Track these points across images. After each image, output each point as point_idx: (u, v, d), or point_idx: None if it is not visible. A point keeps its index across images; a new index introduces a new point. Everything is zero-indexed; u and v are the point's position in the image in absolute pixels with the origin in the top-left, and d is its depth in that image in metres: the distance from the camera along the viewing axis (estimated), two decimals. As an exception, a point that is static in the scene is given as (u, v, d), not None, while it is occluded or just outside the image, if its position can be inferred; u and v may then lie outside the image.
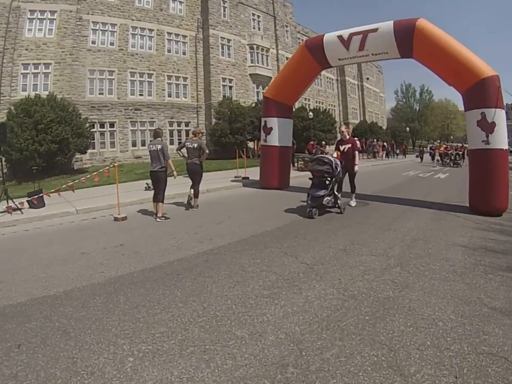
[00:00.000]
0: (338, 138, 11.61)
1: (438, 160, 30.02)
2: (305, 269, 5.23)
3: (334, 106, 50.44)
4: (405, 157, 40.38)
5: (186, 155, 10.23)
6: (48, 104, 19.79)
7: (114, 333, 3.66)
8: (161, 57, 30.07)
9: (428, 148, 35.03)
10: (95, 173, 9.88)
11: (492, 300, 4.21)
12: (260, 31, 38.00)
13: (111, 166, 9.80)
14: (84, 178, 9.73)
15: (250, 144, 31.18)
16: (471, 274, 5.02)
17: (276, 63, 39.36)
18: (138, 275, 5.25)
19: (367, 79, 58.04)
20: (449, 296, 4.30)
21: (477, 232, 7.45)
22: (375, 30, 10.85)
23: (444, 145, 35.17)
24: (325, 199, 8.88)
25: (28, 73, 23.58)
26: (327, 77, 48.63)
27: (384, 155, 37.23)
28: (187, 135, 30.71)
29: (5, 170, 16.08)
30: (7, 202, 9.88)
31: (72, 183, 9.61)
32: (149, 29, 29.56)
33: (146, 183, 13.13)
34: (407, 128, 57.45)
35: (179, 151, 10.35)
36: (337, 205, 9.28)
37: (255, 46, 36.42)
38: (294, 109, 17.57)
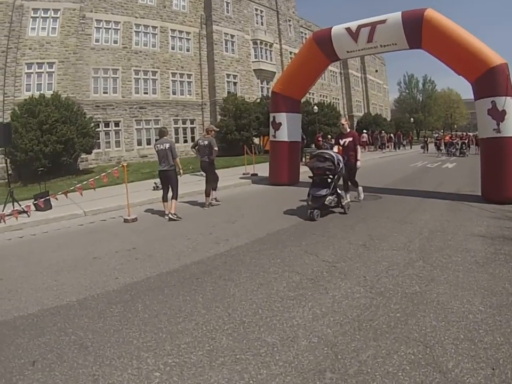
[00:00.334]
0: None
1: (441, 150, 29.47)
2: (328, 267, 5.06)
3: (338, 99, 50.07)
4: (411, 147, 40.00)
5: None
6: (53, 104, 19.52)
7: (136, 345, 3.42)
8: (165, 54, 29.82)
9: (434, 138, 34.47)
10: (104, 173, 9.61)
11: (516, 289, 4.13)
12: (263, 26, 37.67)
13: (120, 166, 9.51)
14: (92, 180, 9.45)
15: (256, 140, 30.84)
16: (493, 264, 4.96)
17: (280, 58, 39.05)
18: (155, 280, 4.99)
19: (376, 71, 57.90)
20: (475, 288, 4.22)
21: (493, 221, 7.38)
22: (384, 21, 10.64)
23: (449, 135, 34.69)
24: (327, 198, 8.10)
25: (32, 72, 23.34)
26: (331, 70, 48.17)
27: (392, 146, 36.84)
28: (192, 132, 30.61)
29: (9, 172, 15.91)
30: (13, 205, 9.65)
31: (80, 185, 9.31)
32: (152, 26, 29.31)
33: (155, 183, 12.89)
34: (412, 119, 57.07)
35: (193, 149, 10.35)
36: (340, 205, 8.48)
37: (258, 41, 36.08)
38: (300, 104, 17.23)
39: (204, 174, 10.54)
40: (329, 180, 8.17)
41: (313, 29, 45.11)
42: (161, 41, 29.74)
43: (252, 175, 15.80)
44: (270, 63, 37.31)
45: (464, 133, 41.77)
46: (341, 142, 9.76)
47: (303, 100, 16.08)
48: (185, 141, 30.43)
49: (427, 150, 33.30)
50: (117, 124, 27.09)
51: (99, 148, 25.57)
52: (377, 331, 3.39)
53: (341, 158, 8.50)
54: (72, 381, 2.92)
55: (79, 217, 9.63)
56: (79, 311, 4.20)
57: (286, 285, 4.56)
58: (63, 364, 3.15)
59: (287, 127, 13.36)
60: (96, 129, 23.57)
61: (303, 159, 21.19)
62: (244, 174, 16.12)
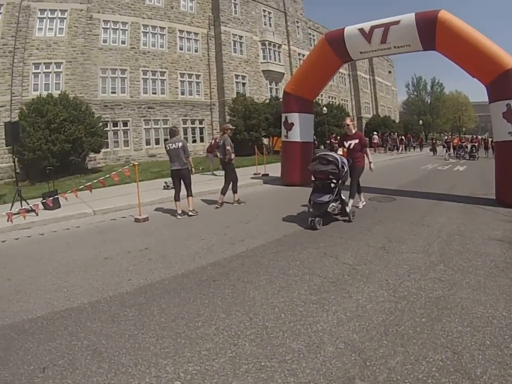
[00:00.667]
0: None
1: (449, 153, 28.70)
2: (348, 270, 4.88)
3: (347, 101, 49.76)
4: (421, 150, 39.54)
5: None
6: (61, 103, 19.49)
7: (154, 351, 3.21)
8: (173, 55, 29.67)
9: (443, 141, 34.03)
10: (114, 172, 9.38)
11: (538, 294, 4.01)
12: (271, 27, 37.46)
13: (131, 164, 9.30)
14: (102, 178, 9.21)
15: (265, 141, 30.62)
16: (513, 268, 4.81)
17: (288, 59, 38.88)
18: (171, 282, 4.76)
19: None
20: (497, 293, 4.09)
21: (509, 225, 7.19)
22: (397, 22, 10.45)
23: (457, 137, 34.28)
24: (330, 205, 7.32)
25: (39, 72, 23.28)
26: (339, 72, 47.78)
27: (402, 148, 36.46)
28: (201, 132, 30.50)
29: (17, 171, 15.81)
30: (21, 204, 9.52)
31: (90, 183, 9.09)
32: (160, 27, 29.19)
33: (165, 182, 12.73)
34: (420, 121, 56.77)
35: (215, 150, 10.18)
36: (344, 212, 7.73)
37: (267, 42, 35.87)
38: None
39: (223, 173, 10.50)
40: (332, 185, 7.40)
41: (321, 30, 45.13)
42: (169, 42, 29.60)
43: (263, 175, 15.59)
44: (278, 64, 37.10)
45: (474, 136, 41.31)
46: (346, 144, 8.83)
47: (312, 101, 15.78)
48: (194, 141, 30.31)
49: (435, 152, 32.84)
50: (125, 124, 27.00)
51: (107, 147, 25.48)
52: (404, 336, 3.27)
53: (345, 161, 7.73)
54: (86, 390, 2.70)
55: (88, 216, 9.43)
56: (91, 314, 3.98)
57: (308, 288, 4.37)
58: (75, 371, 2.95)
59: (299, 128, 13.14)
60: (105, 129, 23.49)
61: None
62: (254, 174, 15.90)
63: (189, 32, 30.89)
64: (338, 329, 3.43)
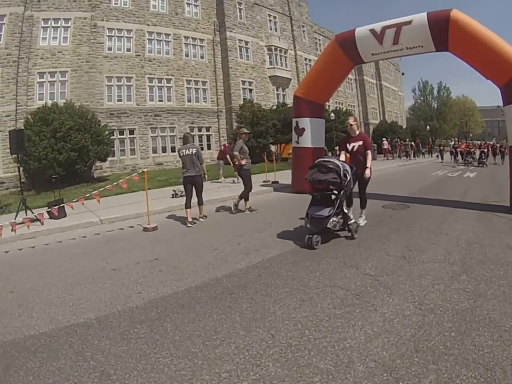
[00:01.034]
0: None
1: (456, 160, 28.23)
2: (371, 282, 4.60)
3: (354, 106, 49.50)
4: (431, 155, 39.16)
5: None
6: (66, 111, 19.40)
7: (169, 374, 2.91)
8: (179, 61, 29.66)
9: (451, 147, 33.48)
10: (122, 180, 9.07)
11: None
12: (277, 32, 37.42)
13: (140, 172, 9.03)
14: (110, 186, 8.89)
15: (273, 148, 30.34)
16: (536, 279, 4.61)
17: (295, 64, 38.78)
18: (184, 296, 4.43)
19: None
20: None
21: None
22: (409, 22, 10.16)
23: (465, 143, 33.80)
24: (331, 220, 6.37)
25: (44, 81, 23.39)
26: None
27: (412, 154, 36.03)
28: (208, 140, 30.36)
29: (23, 180, 15.60)
30: (26, 213, 9.33)
31: (97, 191, 8.78)
32: (165, 34, 29.25)
33: (173, 190, 12.48)
34: (428, 127, 56.36)
35: (226, 157, 9.89)
36: (347, 228, 6.76)
37: (273, 48, 35.79)
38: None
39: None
40: (333, 197, 6.47)
41: (327, 34, 45.25)
42: (175, 49, 29.63)
43: (273, 182, 15.30)
44: (285, 70, 36.97)
45: (483, 142, 40.76)
46: (349, 147, 7.81)
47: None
48: (201, 148, 29.95)
49: (442, 158, 32.32)
50: (131, 132, 26.95)
51: (114, 156, 25.43)
52: (435, 352, 3.05)
53: (348, 168, 6.74)
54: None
55: (95, 226, 9.14)
56: (98, 331, 3.67)
57: (330, 301, 4.09)
58: (81, 397, 2.64)
59: (310, 133, 12.80)
60: (111, 137, 23.35)
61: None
62: (264, 181, 15.59)
63: (194, 39, 30.92)
64: (367, 346, 3.18)
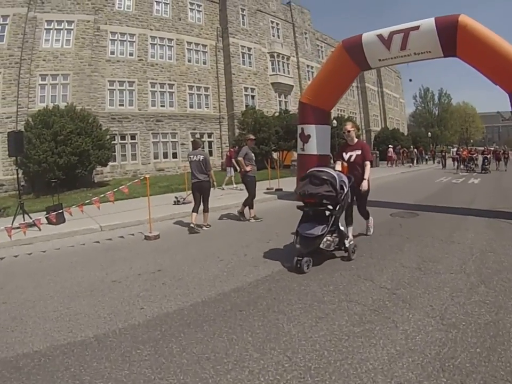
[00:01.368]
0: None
1: (460, 166, 27.98)
2: (388, 296, 4.36)
3: (355, 113, 49.40)
4: (434, 162, 39.17)
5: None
6: (67, 115, 19.19)
7: None
8: (181, 67, 29.56)
9: (454, 153, 33.10)
10: (123, 186, 8.77)
11: None
12: (280, 39, 37.41)
13: (142, 177, 8.74)
14: (110, 192, 8.55)
15: (275, 155, 30.11)
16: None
17: (297, 71, 38.72)
18: (190, 312, 4.10)
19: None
20: None
21: None
22: (417, 27, 9.99)
23: (466, 149, 33.49)
24: (324, 239, 5.54)
25: (46, 84, 23.25)
26: (348, 85, 47.64)
27: (415, 161, 36.27)
28: (210, 146, 30.16)
29: (22, 183, 15.29)
30: (23, 217, 9.05)
31: (97, 198, 8.45)
32: (168, 39, 29.21)
33: (175, 197, 12.23)
34: (429, 134, 56.17)
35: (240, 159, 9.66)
36: (343, 247, 5.88)
37: (275, 54, 35.76)
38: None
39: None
40: (327, 213, 5.65)
41: (329, 41, 45.54)
42: (178, 54, 29.58)
43: (277, 190, 15.04)
44: (287, 76, 36.94)
45: (485, 147, 40.47)
46: (345, 156, 7.01)
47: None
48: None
49: (445, 165, 32.04)
50: (133, 137, 26.79)
51: (115, 161, 25.25)
52: (462, 371, 2.85)
53: (345, 180, 5.92)
54: None
55: (94, 232, 8.84)
56: (97, 352, 3.35)
57: (348, 318, 3.79)
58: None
59: (316, 140, 12.51)
60: (112, 142, 23.14)
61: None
62: (267, 189, 15.34)
63: (197, 44, 30.91)
64: (391, 367, 2.93)
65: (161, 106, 28.42)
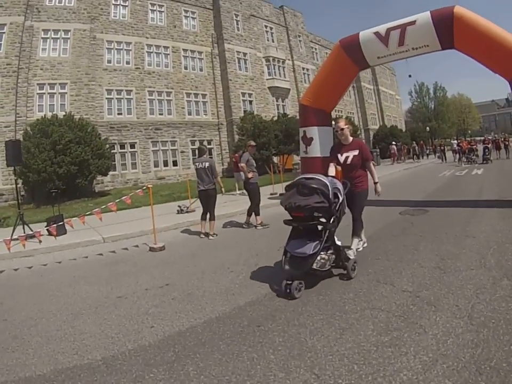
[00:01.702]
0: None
1: (461, 158, 27.67)
2: (412, 299, 4.16)
3: (353, 113, 49.31)
4: (435, 156, 39.35)
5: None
6: (66, 124, 19.01)
7: None
8: (178, 74, 29.47)
9: (454, 145, 32.63)
10: (125, 196, 8.46)
11: None
12: (274, 43, 37.48)
13: (144, 187, 8.48)
14: (112, 203, 8.25)
15: (275, 159, 29.91)
16: None
17: (293, 74, 38.69)
18: (204, 330, 3.82)
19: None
20: None
21: None
22: (413, 22, 10.09)
23: (466, 141, 33.16)
24: (318, 257, 4.69)
25: (44, 93, 23.10)
26: (344, 85, 47.62)
27: (417, 156, 36.65)
28: (210, 153, 30.02)
29: (22, 193, 15.02)
30: (23, 229, 8.87)
31: (98, 209, 8.14)
32: (164, 46, 29.19)
33: (179, 206, 11.98)
34: (427, 128, 56.56)
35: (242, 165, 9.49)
36: (341, 263, 5.05)
37: (271, 58, 35.75)
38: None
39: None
40: (320, 227, 4.89)
41: (322, 43, 46.04)
42: (174, 61, 29.52)
43: (281, 194, 14.67)
44: (284, 80, 36.90)
45: (485, 137, 40.17)
46: (340, 158, 6.04)
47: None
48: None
49: (445, 159, 31.61)
50: (132, 146, 26.61)
51: (115, 170, 25.07)
52: (500, 372, 2.70)
53: (339, 186, 5.14)
54: None
55: (97, 244, 8.63)
56: (106, 377, 3.08)
57: (374, 327, 3.57)
58: None
59: (319, 142, 12.34)
60: (112, 151, 23.03)
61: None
62: (271, 194, 15.10)
63: (193, 51, 30.87)
64: (426, 376, 2.75)
65: (160, 114, 28.28)
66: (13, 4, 22.15)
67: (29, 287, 5.75)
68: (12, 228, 9.05)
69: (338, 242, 5.06)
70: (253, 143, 10.00)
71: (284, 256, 4.86)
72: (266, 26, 37.03)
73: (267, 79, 35.46)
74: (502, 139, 31.63)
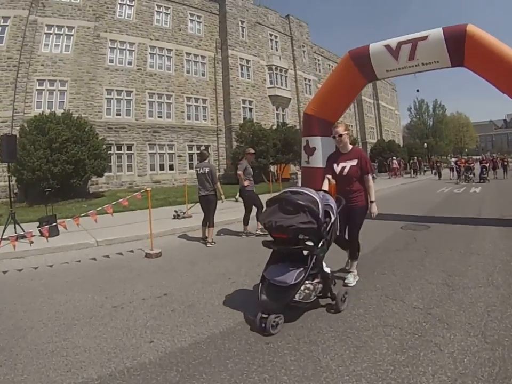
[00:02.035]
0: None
1: (460, 176, 27.76)
2: (423, 316, 4.02)
3: (352, 126, 49.36)
4: (432, 173, 39.42)
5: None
6: (64, 122, 18.63)
7: None
8: (180, 78, 29.31)
9: (452, 163, 32.72)
10: (122, 199, 8.16)
11: None
12: (278, 52, 37.50)
13: (143, 190, 8.21)
14: (108, 205, 7.87)
15: (272, 168, 29.75)
16: None
17: (295, 84, 38.68)
18: (208, 347, 3.52)
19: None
20: None
21: None
22: (425, 37, 10.00)
23: (463, 159, 33.18)
24: (302, 287, 3.92)
25: (43, 89, 22.82)
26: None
27: (416, 172, 37.08)
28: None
29: (15, 191, 14.66)
30: (14, 228, 8.56)
31: (94, 211, 7.77)
32: (167, 49, 29.05)
33: (175, 211, 11.73)
34: (425, 145, 57.14)
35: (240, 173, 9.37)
36: (330, 294, 4.27)
37: (273, 67, 35.81)
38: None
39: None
40: (305, 252, 4.09)
41: (326, 55, 46.38)
42: (176, 65, 29.37)
43: (278, 203, 14.45)
44: (285, 89, 36.90)
45: (483, 156, 40.29)
46: (336, 168, 5.29)
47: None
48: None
49: (440, 176, 31.96)
50: (129, 147, 26.33)
51: (110, 171, 24.69)
52: None
53: (332, 204, 4.38)
54: None
55: (90, 247, 8.31)
56: (104, 400, 2.77)
57: (388, 345, 3.41)
58: None
59: (322, 152, 12.06)
60: (108, 152, 22.65)
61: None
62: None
63: (196, 55, 30.77)
64: None
65: (159, 117, 28.06)
66: (18, -4, 21.92)
67: (18, 292, 5.43)
68: (2, 226, 8.73)
69: (327, 269, 4.30)
70: (252, 150, 9.85)
71: (260, 284, 4.09)
72: (271, 35, 37.09)
73: (268, 88, 35.47)
74: (500, 159, 31.57)
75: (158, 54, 28.52)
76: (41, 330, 4.05)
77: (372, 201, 5.19)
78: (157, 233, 9.05)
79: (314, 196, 4.10)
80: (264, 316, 3.76)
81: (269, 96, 35.41)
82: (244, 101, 32.22)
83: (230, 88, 31.22)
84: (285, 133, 28.47)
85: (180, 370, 3.13)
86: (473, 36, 9.16)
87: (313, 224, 3.89)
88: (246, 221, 9.28)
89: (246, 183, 9.13)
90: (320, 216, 3.95)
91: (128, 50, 26.94)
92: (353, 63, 11.23)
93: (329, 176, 5.28)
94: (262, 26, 35.82)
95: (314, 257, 4.01)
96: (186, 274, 6.11)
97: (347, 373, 2.96)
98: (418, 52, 10.08)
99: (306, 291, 3.95)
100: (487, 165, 27.67)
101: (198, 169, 8.66)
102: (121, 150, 25.95)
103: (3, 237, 7.64)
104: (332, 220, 4.21)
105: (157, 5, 28.86)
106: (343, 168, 5.17)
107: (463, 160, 30.91)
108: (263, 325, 3.71)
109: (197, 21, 31.52)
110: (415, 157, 39.94)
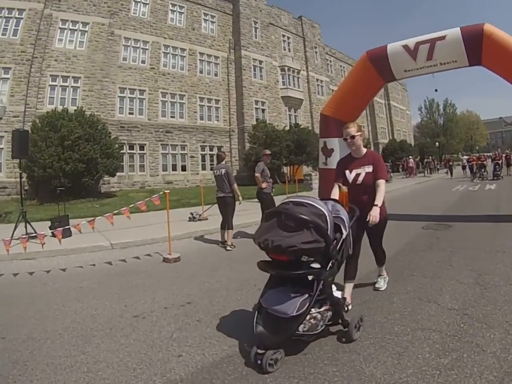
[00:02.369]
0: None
1: (474, 174, 27.54)
2: (460, 317, 3.91)
3: (363, 127, 49.11)
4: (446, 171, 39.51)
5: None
6: (76, 119, 18.42)
7: None
8: (193, 78, 29.19)
9: (464, 160, 32.37)
10: (140, 201, 7.75)
11: None
12: (291, 53, 37.42)
13: (161, 192, 7.89)
14: (125, 208, 7.44)
15: (285, 169, 29.60)
16: None
17: (307, 85, 38.52)
18: (242, 361, 3.18)
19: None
20: None
21: None
22: (443, 37, 9.93)
23: (475, 156, 32.71)
24: (308, 317, 3.16)
25: (56, 85, 22.68)
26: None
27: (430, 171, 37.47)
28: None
29: (26, 188, 14.43)
30: (25, 227, 8.35)
31: (111, 214, 7.43)
32: (181, 48, 28.92)
33: (191, 213, 11.39)
34: (437, 143, 57.12)
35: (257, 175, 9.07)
36: (340, 321, 3.50)
37: (286, 68, 35.67)
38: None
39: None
40: (310, 277, 3.37)
41: (337, 56, 46.48)
42: (190, 64, 29.27)
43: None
44: (297, 90, 36.76)
45: (496, 152, 39.91)
46: (349, 176, 4.44)
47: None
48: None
49: (451, 174, 32.05)
50: (141, 147, 26.15)
51: (122, 171, 24.49)
52: None
53: (344, 216, 3.62)
54: None
55: (104, 250, 8.04)
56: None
57: (430, 349, 3.25)
58: None
59: (339, 154, 11.79)
60: (121, 151, 22.43)
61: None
62: (284, 203, 14.46)
63: (209, 55, 30.66)
64: None
65: (171, 117, 27.87)
66: (34, -11, 21.81)
67: (30, 298, 5.13)
68: (13, 224, 8.55)
69: (338, 294, 3.58)
70: (268, 152, 9.76)
71: (256, 312, 3.37)
72: (283, 36, 37.00)
73: (281, 88, 35.32)
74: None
75: (172, 53, 28.39)
76: (57, 342, 3.72)
77: (375, 205, 4.15)
78: (173, 236, 8.68)
79: (321, 208, 3.32)
80: (260, 351, 3.06)
81: (282, 97, 35.23)
82: (256, 102, 32.05)
83: (242, 89, 31.06)
84: (297, 134, 28.27)
85: (215, 387, 2.80)
86: (490, 35, 9.15)
87: (320, 243, 3.12)
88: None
89: (264, 185, 8.92)
90: (328, 232, 3.20)
91: (142, 48, 26.79)
92: (370, 64, 11.12)
93: (340, 183, 4.36)
94: (275, 27, 35.74)
95: (322, 281, 3.26)
96: (208, 280, 5.77)
97: (393, 381, 2.81)
98: (436, 52, 10.04)
99: (312, 321, 3.21)
100: (500, 161, 27.31)
101: (215, 171, 8.54)
102: (133, 150, 25.74)
103: (13, 237, 7.34)
104: (344, 236, 3.47)
105: (171, 3, 28.73)
106: (357, 175, 4.39)
107: (474, 158, 30.59)
108: (258, 362, 3.01)
109: (211, 21, 31.43)
110: (430, 156, 40.36)
